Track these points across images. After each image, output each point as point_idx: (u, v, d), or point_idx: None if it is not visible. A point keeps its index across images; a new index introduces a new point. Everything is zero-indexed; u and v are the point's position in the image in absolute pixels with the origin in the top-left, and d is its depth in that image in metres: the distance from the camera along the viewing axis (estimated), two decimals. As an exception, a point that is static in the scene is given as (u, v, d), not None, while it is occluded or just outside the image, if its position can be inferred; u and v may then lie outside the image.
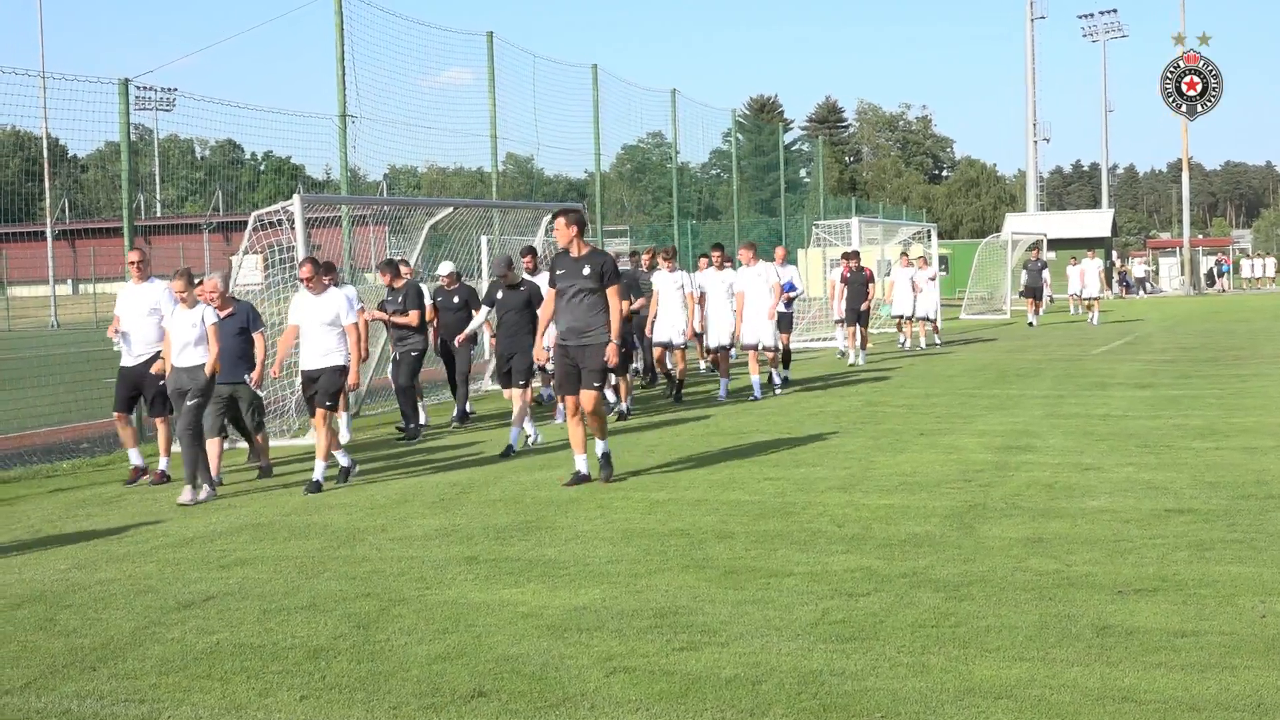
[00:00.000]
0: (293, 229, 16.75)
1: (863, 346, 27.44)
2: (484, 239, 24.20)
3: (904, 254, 34.49)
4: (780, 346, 21.40)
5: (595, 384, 12.47)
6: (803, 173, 67.84)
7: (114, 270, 16.60)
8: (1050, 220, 78.15)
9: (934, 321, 32.19)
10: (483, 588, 8.59)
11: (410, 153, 34.01)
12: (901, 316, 31.11)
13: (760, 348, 20.39)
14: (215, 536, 10.72)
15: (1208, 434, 14.70)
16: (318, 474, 12.98)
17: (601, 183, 32.04)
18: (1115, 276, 71.66)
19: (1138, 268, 72.71)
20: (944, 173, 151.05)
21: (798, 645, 7.02)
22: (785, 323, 22.17)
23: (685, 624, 7.51)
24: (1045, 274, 40.79)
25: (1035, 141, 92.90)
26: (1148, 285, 72.18)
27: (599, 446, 12.76)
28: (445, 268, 18.16)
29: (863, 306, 26.85)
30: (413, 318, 17.07)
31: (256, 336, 14.00)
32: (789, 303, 23.42)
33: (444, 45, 25.39)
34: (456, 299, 17.92)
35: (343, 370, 13.25)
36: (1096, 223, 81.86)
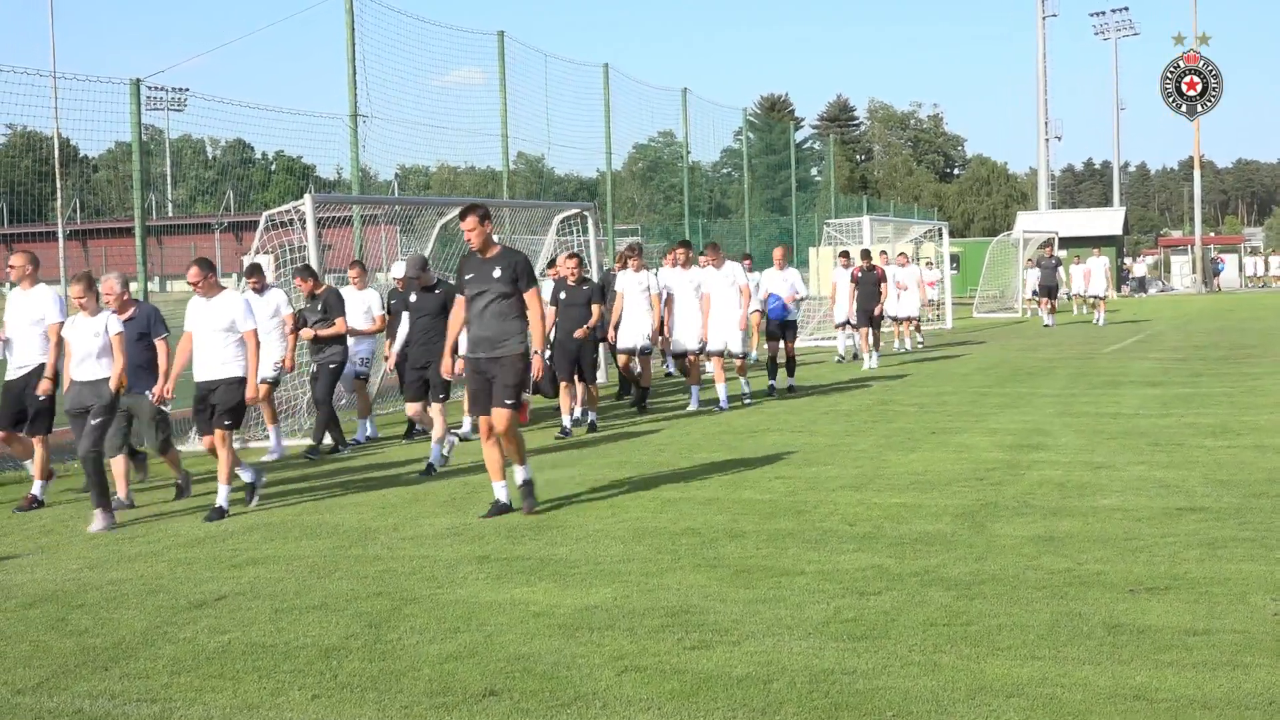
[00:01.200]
0: (304, 229, 16.78)
1: (875, 347, 26.51)
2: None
3: (883, 251, 33.32)
4: (749, 353, 19.86)
5: (507, 401, 11.03)
6: (814, 171, 67.75)
7: (126, 270, 16.63)
8: (1062, 218, 77.91)
9: (916, 321, 31.39)
10: (494, 587, 8.59)
11: (421, 152, 33.96)
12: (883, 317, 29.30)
13: (726, 354, 18.99)
14: (226, 536, 10.74)
15: (1220, 432, 14.67)
16: (221, 499, 11.71)
17: (613, 181, 32.04)
18: (1124, 275, 71.52)
19: (1137, 266, 72.33)
20: (955, 171, 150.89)
21: (809, 644, 7.02)
22: (790, 330, 21.08)
23: (697, 623, 7.51)
24: (1060, 272, 39.85)
25: (1047, 140, 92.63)
26: (1148, 284, 71.84)
27: (519, 473, 11.29)
28: (400, 270, 16.18)
29: (876, 310, 26.11)
30: (339, 326, 15.78)
31: (159, 344, 12.80)
32: (784, 308, 21.53)
33: (455, 44, 25.43)
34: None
35: (241, 382, 11.91)
36: (1108, 221, 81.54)
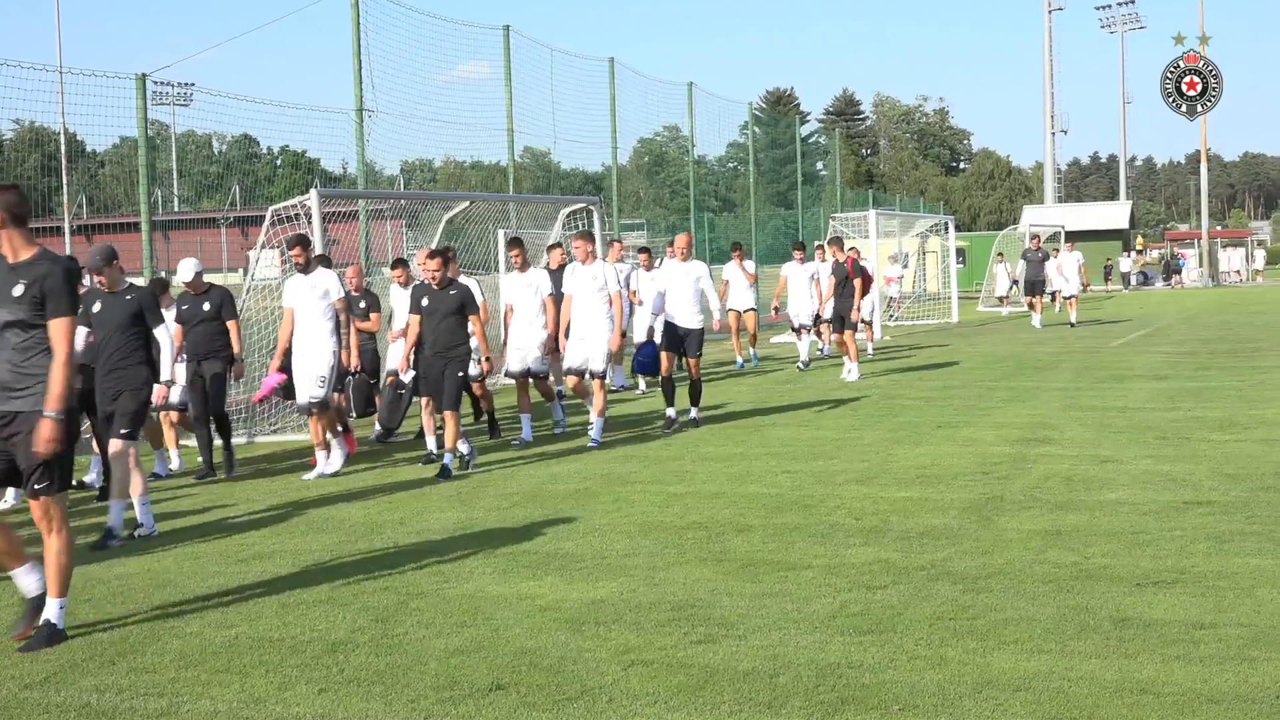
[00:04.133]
0: (310, 224, 16.78)
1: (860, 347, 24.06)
2: (501, 232, 24.21)
3: (853, 248, 30.47)
4: (608, 373, 15.48)
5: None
6: (819, 165, 67.71)
7: (133, 265, 16.64)
8: (1068, 212, 77.85)
9: (869, 325, 28.37)
10: (500, 581, 8.60)
11: (427, 147, 34.01)
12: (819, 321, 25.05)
13: (588, 375, 15.23)
14: (233, 530, 10.75)
15: (1227, 426, 14.65)
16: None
17: (618, 176, 32.03)
18: (1107, 271, 71.22)
19: (1124, 261, 71.91)
20: (961, 165, 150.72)
21: (815, 638, 7.01)
22: (694, 342, 16.10)
23: (703, 617, 7.51)
24: (1049, 266, 36.32)
25: (1053, 133, 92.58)
26: (1133, 278, 71.46)
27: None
28: (188, 269, 13.82)
29: (852, 314, 22.20)
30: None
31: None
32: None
33: (460, 39, 25.42)
34: (207, 306, 13.77)
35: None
36: (1115, 215, 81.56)
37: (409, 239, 24.70)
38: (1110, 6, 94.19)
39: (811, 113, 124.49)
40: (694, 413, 16.20)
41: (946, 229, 46.57)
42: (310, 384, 13.43)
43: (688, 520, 10.35)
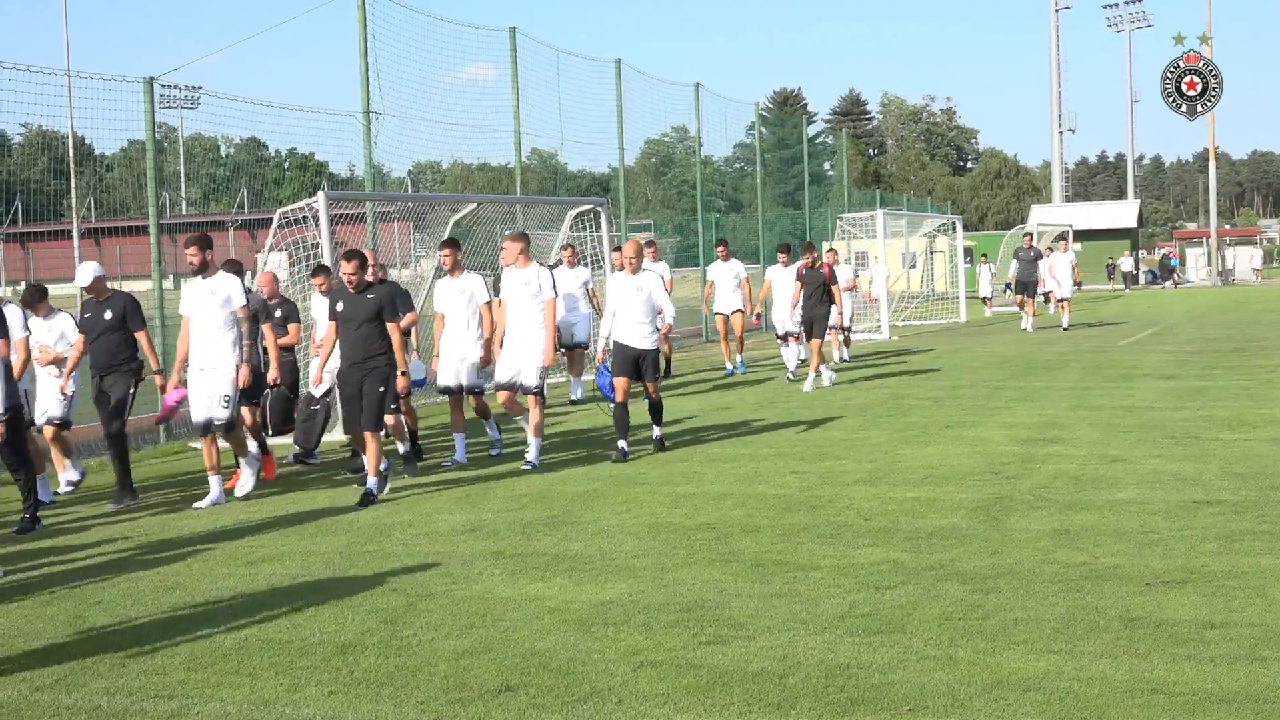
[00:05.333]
0: (317, 226, 16.80)
1: (839, 350, 23.44)
2: (508, 234, 24.21)
3: (831, 249, 28.18)
4: (541, 387, 13.89)
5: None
6: (826, 166, 67.63)
7: (141, 268, 16.67)
8: (1076, 211, 77.78)
9: (847, 331, 26.50)
10: (509, 582, 8.60)
11: (434, 149, 33.97)
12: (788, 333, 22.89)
13: (520, 389, 13.85)
14: (243, 533, 10.76)
15: (1235, 425, 14.63)
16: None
17: (625, 177, 32.02)
18: (1109, 271, 70.98)
19: (1125, 261, 71.66)
20: (968, 165, 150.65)
21: (825, 638, 7.01)
22: (649, 363, 14.26)
23: (712, 618, 7.51)
24: (1041, 265, 34.18)
25: (1060, 132, 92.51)
26: (1142, 277, 71.22)
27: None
28: (86, 272, 12.73)
29: (834, 320, 21.34)
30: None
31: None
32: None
33: (467, 41, 25.39)
34: (109, 315, 12.60)
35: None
36: (1123, 214, 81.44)
37: (416, 241, 24.71)
38: (1117, 5, 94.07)
39: (818, 113, 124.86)
40: (657, 431, 14.45)
41: (954, 229, 46.50)
42: (212, 403, 12.20)
43: (696, 521, 10.35)
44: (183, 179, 78.55)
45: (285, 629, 7.68)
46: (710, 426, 16.32)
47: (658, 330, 14.36)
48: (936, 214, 61.29)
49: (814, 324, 20.18)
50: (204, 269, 12.27)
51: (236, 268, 13.23)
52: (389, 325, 12.05)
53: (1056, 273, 34.16)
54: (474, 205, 23.19)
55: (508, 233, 16.07)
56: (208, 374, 12.26)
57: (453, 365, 14.12)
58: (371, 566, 9.24)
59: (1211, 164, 79.40)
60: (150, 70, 50.05)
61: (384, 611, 7.97)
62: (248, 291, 13.04)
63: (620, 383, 14.06)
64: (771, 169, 50.04)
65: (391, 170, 26.83)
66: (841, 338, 25.67)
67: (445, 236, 21.95)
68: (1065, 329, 33.04)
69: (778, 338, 23.26)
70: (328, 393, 13.49)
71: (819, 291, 20.17)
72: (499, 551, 9.54)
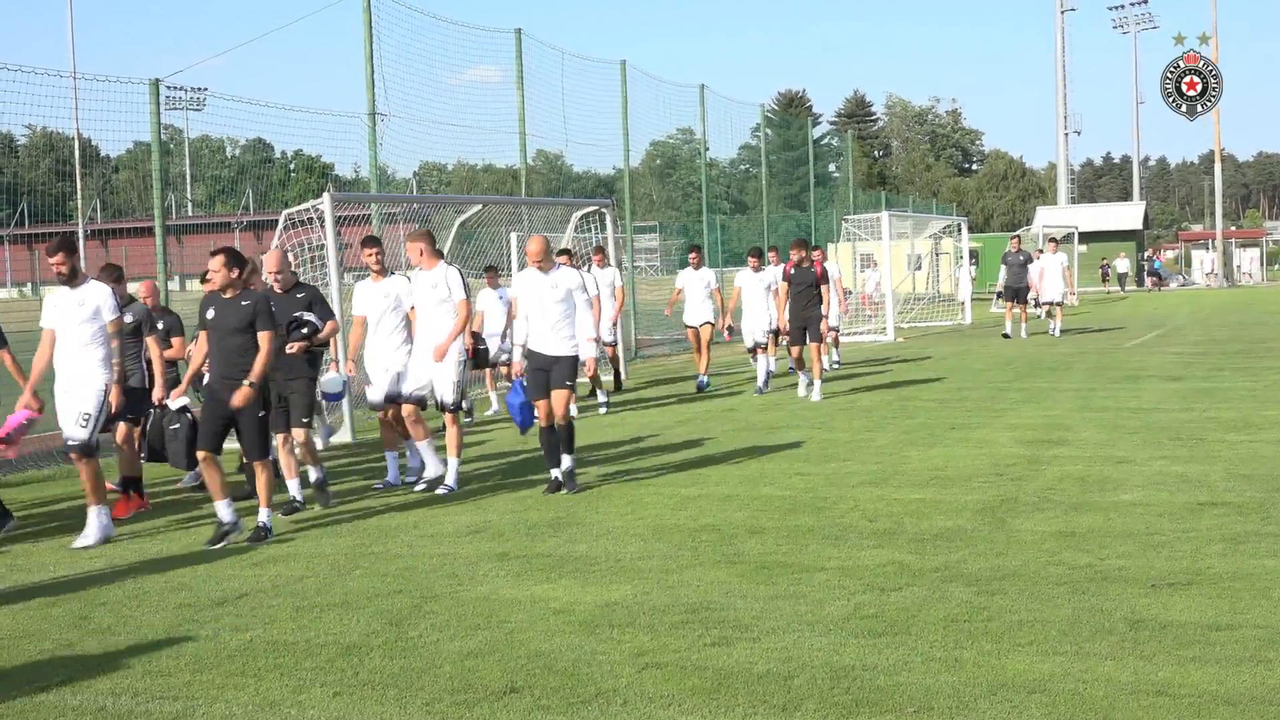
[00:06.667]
0: (323, 227, 16.82)
1: (827, 360, 21.54)
2: (514, 235, 24.26)
3: (818, 247, 25.20)
4: (459, 402, 12.74)
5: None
6: (832, 167, 67.69)
7: (147, 270, 16.69)
8: (1082, 213, 77.78)
9: (834, 334, 24.62)
10: (514, 584, 8.60)
11: (439, 150, 34.09)
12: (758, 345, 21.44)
13: (440, 404, 12.70)
14: (247, 534, 10.74)
15: (1241, 426, 14.61)
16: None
17: (631, 178, 32.04)
18: (1104, 272, 70.87)
19: (1121, 262, 71.51)
20: (973, 166, 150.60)
21: (830, 640, 7.01)
22: (564, 371, 12.26)
23: (717, 619, 7.51)
24: (1030, 270, 32.34)
25: (1066, 134, 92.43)
26: (1126, 281, 71.06)
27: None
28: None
29: (823, 326, 19.52)
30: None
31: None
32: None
33: (472, 43, 25.44)
34: None
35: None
36: (1128, 215, 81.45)
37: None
38: (1123, 7, 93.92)
39: (823, 114, 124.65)
40: (566, 462, 12.21)
41: (959, 230, 46.49)
42: (70, 423, 10.73)
43: (701, 522, 10.35)
44: (188, 180, 78.68)
45: (290, 630, 7.68)
46: (713, 428, 16.31)
47: (575, 337, 12.30)
48: (942, 215, 61.32)
49: (808, 327, 19.08)
50: (72, 277, 10.85)
51: (115, 274, 12.19)
52: (261, 335, 10.53)
53: (1048, 276, 32.81)
54: (479, 207, 23.22)
55: (409, 232, 13.86)
56: (71, 394, 10.78)
57: (377, 377, 12.97)
58: (377, 568, 9.25)
59: (1217, 166, 79.38)
60: (156, 71, 50.05)
61: (389, 613, 7.97)
62: (130, 300, 12.34)
63: (542, 405, 12.22)
64: (777, 171, 50.08)
65: (397, 172, 26.88)
66: (830, 339, 24.01)
67: (450, 242, 22.09)
68: (1058, 335, 31.90)
69: (748, 350, 21.85)
70: (185, 409, 11.54)
71: (810, 292, 19.08)
72: (504, 553, 9.54)
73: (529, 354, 12.29)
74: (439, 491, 12.25)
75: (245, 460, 10.82)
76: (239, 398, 10.31)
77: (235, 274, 10.62)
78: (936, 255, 50.84)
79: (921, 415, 16.83)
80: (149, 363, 12.15)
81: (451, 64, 25.64)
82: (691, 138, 45.54)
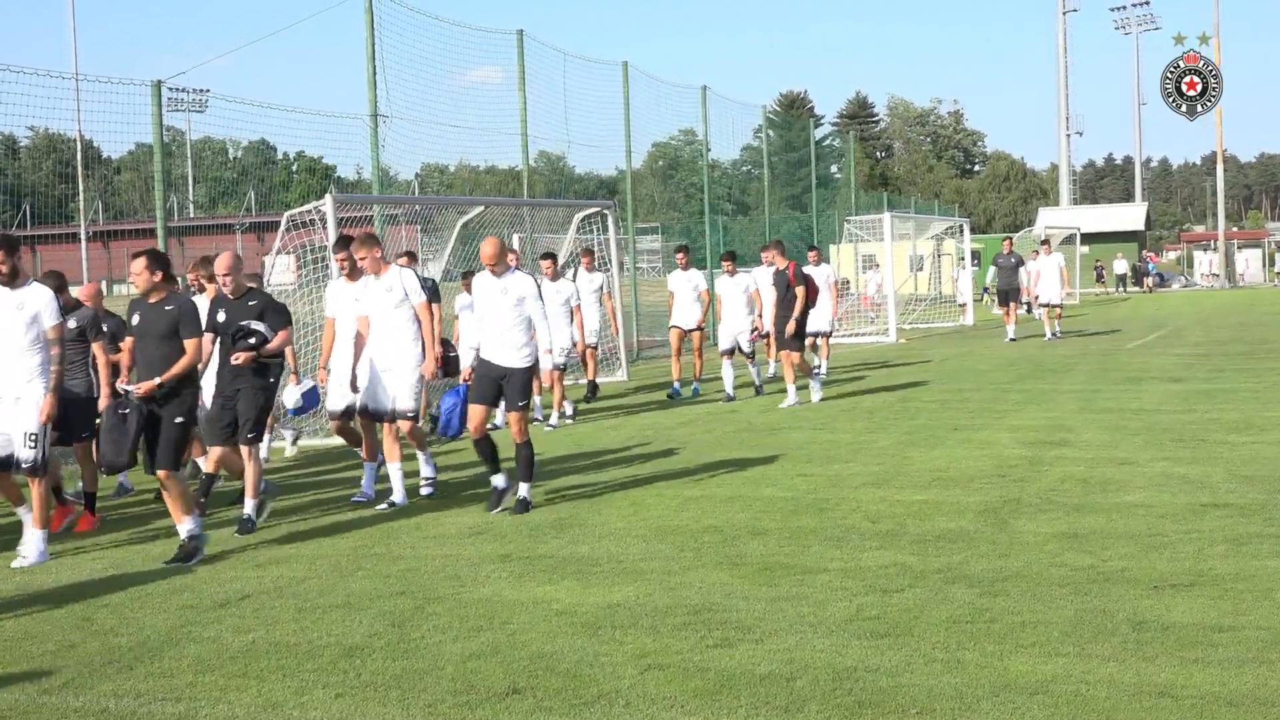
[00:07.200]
0: (325, 229, 16.82)
1: (814, 370, 19.91)
2: (516, 237, 24.27)
3: (812, 247, 25.78)
4: (419, 415, 12.37)
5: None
6: (834, 169, 67.62)
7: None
8: (1084, 214, 77.79)
9: (826, 338, 23.82)
10: (516, 585, 8.60)
11: (441, 151, 34.10)
12: (733, 349, 20.45)
13: (396, 416, 12.02)
14: (250, 536, 10.75)
15: (1243, 428, 14.61)
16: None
17: (633, 179, 32.05)
18: (1098, 274, 70.75)
19: (1119, 263, 71.39)
20: (975, 167, 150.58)
21: (832, 641, 7.01)
22: (517, 388, 11.51)
23: (719, 621, 7.51)
24: (1022, 272, 31.75)
25: (1068, 135, 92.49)
26: (1126, 282, 70.97)
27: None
28: None
29: (822, 326, 20.74)
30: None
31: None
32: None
33: (474, 44, 25.45)
34: None
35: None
36: (1130, 216, 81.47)
37: (424, 244, 24.74)
38: (1125, 8, 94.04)
39: (825, 115, 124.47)
40: (523, 490, 11.43)
41: (962, 232, 46.48)
42: (14, 440, 10.16)
43: (703, 524, 10.35)
44: (190, 182, 78.72)
45: (293, 632, 7.68)
46: (715, 429, 16.31)
47: (533, 345, 11.55)
48: (944, 216, 61.30)
49: (783, 333, 18.63)
50: (13, 278, 10.15)
51: (57, 281, 11.61)
52: (187, 343, 9.98)
53: (1045, 278, 31.93)
54: (481, 208, 23.23)
55: (363, 233, 13.10)
56: (12, 405, 10.15)
57: (338, 382, 12.45)
58: (379, 569, 9.25)
59: (1219, 166, 79.35)
60: (158, 73, 50.15)
61: (391, 614, 7.97)
62: (76, 305, 11.91)
63: (476, 411, 11.42)
64: (779, 172, 50.05)
65: (399, 173, 26.89)
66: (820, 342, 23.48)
67: (451, 244, 22.10)
68: (1056, 338, 31.42)
69: (721, 353, 20.47)
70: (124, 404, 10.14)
71: (788, 295, 18.63)
72: (506, 554, 9.54)
73: (479, 362, 11.57)
74: (380, 507, 11.64)
75: (153, 469, 9.95)
76: (142, 389, 9.75)
77: (158, 277, 10.08)
78: (938, 256, 50.84)
79: (924, 416, 16.83)
80: (96, 370, 11.71)
81: (453, 65, 25.65)
82: (693, 139, 45.52)
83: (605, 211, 24.17)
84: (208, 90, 30.07)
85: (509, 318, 11.43)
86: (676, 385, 20.53)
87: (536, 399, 16.99)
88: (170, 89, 18.63)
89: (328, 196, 17.00)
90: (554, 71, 27.92)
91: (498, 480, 11.49)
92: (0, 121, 17.26)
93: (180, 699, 6.52)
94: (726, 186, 51.09)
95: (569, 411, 17.86)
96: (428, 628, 7.63)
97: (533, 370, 11.68)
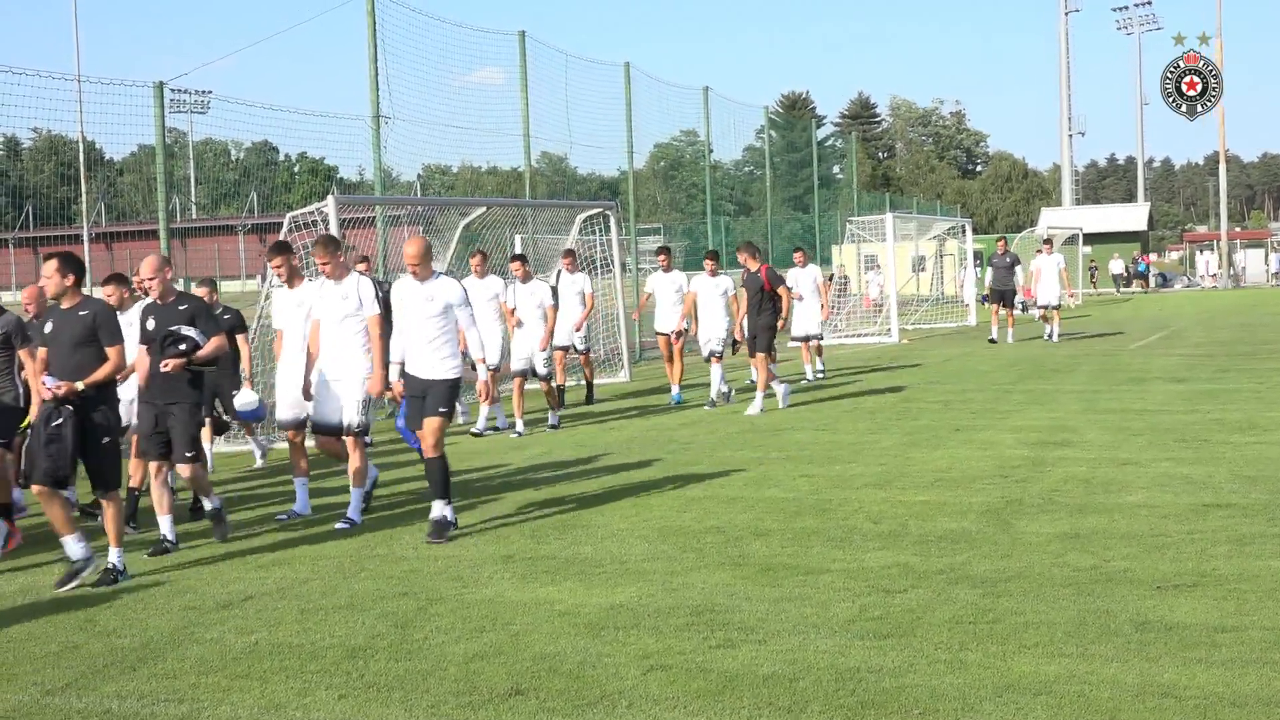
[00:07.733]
0: (327, 230, 16.82)
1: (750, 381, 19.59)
2: (518, 238, 24.27)
3: (798, 248, 24.75)
4: (366, 425, 11.51)
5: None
6: (836, 169, 67.67)
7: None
8: (1086, 214, 77.76)
9: (817, 341, 23.28)
10: (519, 586, 8.60)
11: (443, 152, 34.05)
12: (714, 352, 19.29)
13: (344, 426, 11.28)
14: (253, 537, 10.76)
15: (1246, 428, 14.60)
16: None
17: (635, 180, 32.05)
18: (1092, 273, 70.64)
19: (1115, 264, 71.23)
20: (977, 168, 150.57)
21: (835, 642, 7.01)
22: (437, 397, 10.74)
23: (722, 621, 7.51)
24: (1018, 272, 31.17)
25: (1070, 135, 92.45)
26: (1121, 282, 70.87)
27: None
28: None
29: (810, 329, 20.74)
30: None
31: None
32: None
33: (476, 45, 25.46)
34: None
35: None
36: (1132, 216, 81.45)
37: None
38: (1127, 8, 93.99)
39: (827, 116, 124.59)
40: (438, 509, 10.51)
41: (964, 232, 46.47)
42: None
43: (706, 525, 10.34)
44: (193, 183, 78.80)
45: (295, 633, 7.68)
46: (717, 430, 16.31)
47: (458, 356, 10.83)
48: (946, 217, 61.29)
49: (756, 337, 18.13)
50: None
51: None
52: (110, 350, 9.39)
53: (1044, 278, 31.23)
54: (483, 209, 23.23)
55: (322, 237, 12.37)
56: None
57: (293, 395, 11.74)
58: (381, 570, 9.25)
59: (1222, 166, 79.22)
60: (160, 74, 50.15)
61: (394, 615, 7.97)
62: (0, 311, 11.21)
63: (423, 436, 10.77)
64: (781, 172, 50.07)
65: (401, 174, 26.89)
66: (814, 346, 23.07)
67: (454, 244, 22.09)
68: (1055, 339, 30.79)
69: (705, 359, 19.60)
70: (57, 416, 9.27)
71: (759, 299, 18.07)
72: (509, 555, 9.54)
73: (405, 376, 10.80)
74: (337, 525, 10.95)
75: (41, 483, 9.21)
76: (62, 388, 9.09)
77: (69, 281, 9.44)
78: (940, 257, 50.81)
79: (926, 417, 16.82)
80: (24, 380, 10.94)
81: (455, 66, 25.67)
82: (695, 139, 45.50)
83: (607, 212, 24.17)
84: (210, 91, 30.07)
85: (432, 328, 10.63)
86: (677, 392, 19.86)
87: (484, 408, 16.52)
88: (172, 90, 18.64)
89: (330, 198, 17.01)
90: (556, 72, 27.95)
91: (446, 511, 10.57)
92: (3, 123, 17.28)
93: (183, 700, 6.53)
94: (728, 187, 51.11)
95: (553, 421, 17.27)
96: (430, 629, 7.63)
97: (458, 382, 10.85)
